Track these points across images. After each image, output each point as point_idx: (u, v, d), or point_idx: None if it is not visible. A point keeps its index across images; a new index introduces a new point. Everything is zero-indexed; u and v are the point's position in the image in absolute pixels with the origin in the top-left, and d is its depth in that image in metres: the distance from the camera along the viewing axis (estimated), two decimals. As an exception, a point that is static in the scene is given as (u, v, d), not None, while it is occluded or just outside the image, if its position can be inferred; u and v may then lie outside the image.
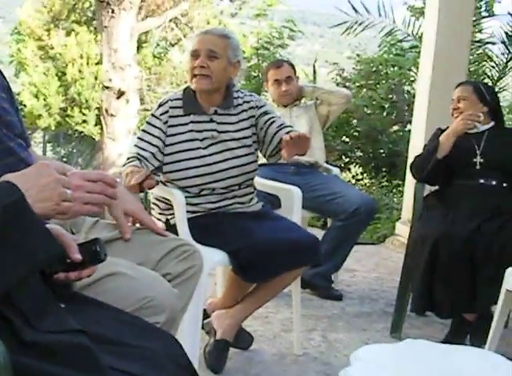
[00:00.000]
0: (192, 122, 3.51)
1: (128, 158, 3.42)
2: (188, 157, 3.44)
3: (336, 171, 5.25)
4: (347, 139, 10.85)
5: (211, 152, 3.49)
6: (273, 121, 3.58)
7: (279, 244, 3.26)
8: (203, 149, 3.48)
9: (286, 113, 5.04)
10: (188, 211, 3.40)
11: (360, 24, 10.75)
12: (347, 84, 11.21)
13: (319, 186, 4.77)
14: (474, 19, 7.87)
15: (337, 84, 11.30)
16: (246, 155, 3.56)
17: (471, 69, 9.41)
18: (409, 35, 10.78)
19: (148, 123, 3.52)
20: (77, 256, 1.76)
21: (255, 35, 13.41)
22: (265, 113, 3.62)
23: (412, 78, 10.81)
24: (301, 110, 5.10)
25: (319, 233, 4.48)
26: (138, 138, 3.50)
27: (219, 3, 17.87)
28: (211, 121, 3.52)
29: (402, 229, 6.53)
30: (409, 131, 8.55)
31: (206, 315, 3.57)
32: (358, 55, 11.78)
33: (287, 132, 3.37)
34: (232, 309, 3.53)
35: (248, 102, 3.63)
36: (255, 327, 4.10)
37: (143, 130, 3.51)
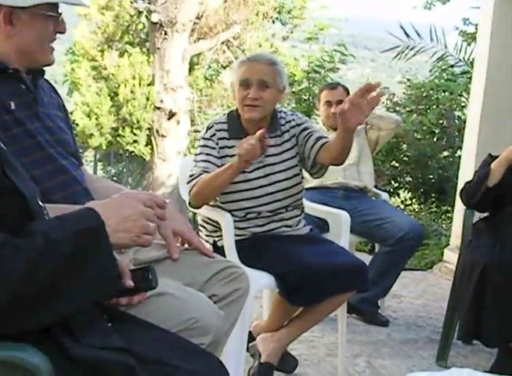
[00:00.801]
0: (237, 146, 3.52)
1: (193, 175, 3.42)
2: (234, 180, 3.45)
3: (385, 196, 5.22)
4: (397, 164, 10.78)
5: (257, 176, 3.50)
6: (311, 135, 3.56)
7: (326, 268, 3.25)
8: (249, 173, 3.49)
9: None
10: (235, 235, 3.41)
11: (412, 49, 10.74)
12: (397, 108, 11.16)
13: (368, 211, 4.75)
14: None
15: (388, 109, 11.25)
16: (291, 177, 3.56)
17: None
18: (460, 61, 10.74)
19: (204, 146, 3.50)
20: (130, 283, 1.79)
21: (306, 59, 13.45)
22: (305, 129, 3.61)
23: (463, 104, 10.72)
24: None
25: (366, 258, 4.47)
26: (202, 160, 3.46)
27: (271, 26, 17.95)
28: None
29: (451, 256, 6.45)
30: (460, 156, 8.47)
31: (251, 337, 3.57)
32: (408, 79, 11.73)
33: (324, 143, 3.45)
34: (277, 332, 3.52)
35: (290, 121, 3.63)
36: (300, 350, 4.09)
37: (203, 152, 3.48)
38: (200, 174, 3.38)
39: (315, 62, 12.68)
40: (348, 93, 5.09)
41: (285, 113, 3.67)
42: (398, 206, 10.83)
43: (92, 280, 1.53)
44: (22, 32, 2.29)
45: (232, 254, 3.31)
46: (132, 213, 1.63)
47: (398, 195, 11.16)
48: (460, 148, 8.01)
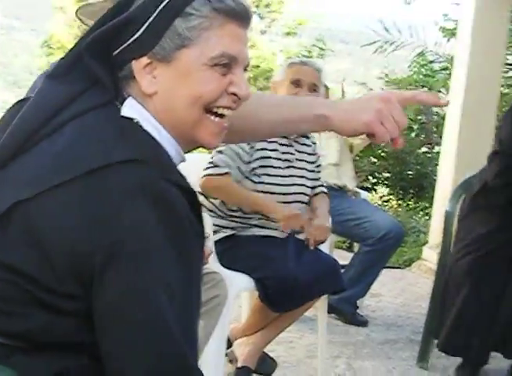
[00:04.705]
0: (275, 142, 3.51)
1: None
2: (265, 172, 3.43)
3: (364, 194, 5.17)
4: (375, 160, 10.75)
5: (289, 174, 3.51)
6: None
7: (304, 274, 3.20)
8: (283, 169, 3.49)
9: (315, 135, 4.96)
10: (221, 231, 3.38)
11: (391, 44, 10.70)
12: (375, 104, 11.13)
13: (347, 210, 4.68)
14: (508, 41, 7.73)
15: (366, 104, 11.21)
16: (310, 187, 3.62)
17: (504, 91, 9.28)
18: (440, 56, 10.70)
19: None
20: None
21: (284, 53, 13.38)
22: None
23: (441, 100, 10.69)
24: (331, 132, 5.00)
25: (344, 255, 4.41)
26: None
27: (249, 20, 17.86)
28: (290, 145, 3.58)
29: (430, 254, 6.42)
30: (438, 152, 8.45)
31: (229, 343, 3.50)
32: (386, 75, 11.70)
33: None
34: (253, 335, 3.48)
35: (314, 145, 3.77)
36: (279, 352, 4.01)
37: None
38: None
39: (294, 57, 12.60)
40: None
41: None
42: (376, 202, 10.80)
43: None
44: None
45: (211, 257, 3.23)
46: None
47: (376, 191, 11.13)
48: (438, 144, 7.97)
